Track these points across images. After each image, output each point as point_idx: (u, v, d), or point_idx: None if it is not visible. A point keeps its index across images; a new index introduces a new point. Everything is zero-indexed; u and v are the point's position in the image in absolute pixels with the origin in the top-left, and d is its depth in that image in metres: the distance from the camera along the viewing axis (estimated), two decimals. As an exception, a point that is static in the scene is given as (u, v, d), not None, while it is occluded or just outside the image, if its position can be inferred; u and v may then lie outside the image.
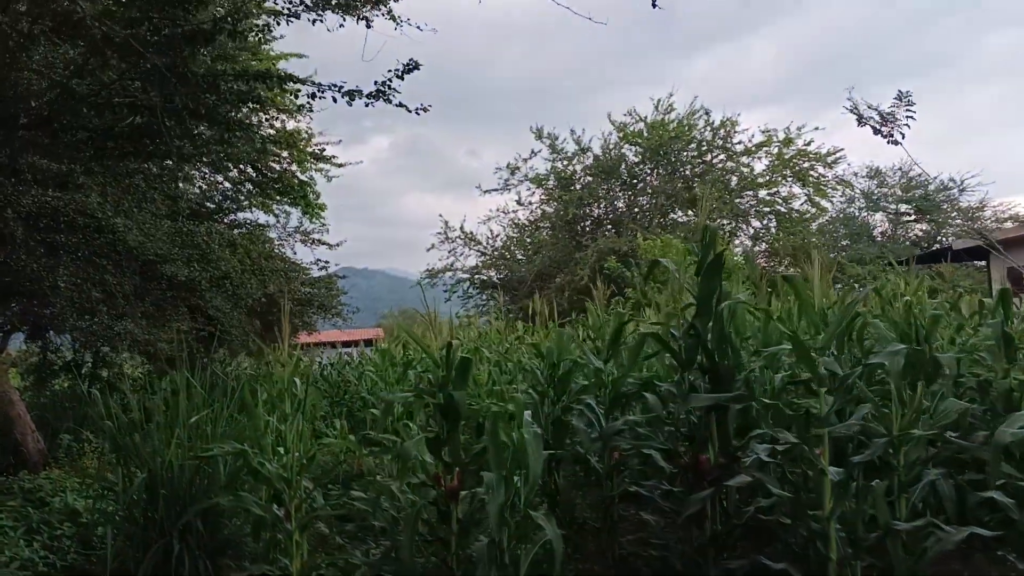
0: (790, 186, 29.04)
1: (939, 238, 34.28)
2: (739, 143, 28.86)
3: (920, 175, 35.47)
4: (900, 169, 36.08)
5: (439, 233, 31.31)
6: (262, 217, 15.01)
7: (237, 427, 5.82)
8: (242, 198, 13.76)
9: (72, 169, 7.19)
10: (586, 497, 6.33)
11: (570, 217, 29.51)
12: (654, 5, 5.74)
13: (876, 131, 10.89)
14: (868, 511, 3.71)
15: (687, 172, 29.54)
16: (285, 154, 12.85)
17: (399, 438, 5.07)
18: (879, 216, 37.87)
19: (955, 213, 34.59)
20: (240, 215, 14.58)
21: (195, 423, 5.52)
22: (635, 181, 30.37)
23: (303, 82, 6.09)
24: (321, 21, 6.01)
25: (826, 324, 3.84)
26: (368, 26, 5.81)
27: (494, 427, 3.86)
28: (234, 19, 5.66)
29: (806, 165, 28.28)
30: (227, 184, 13.77)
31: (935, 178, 33.30)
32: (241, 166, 12.57)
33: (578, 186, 30.31)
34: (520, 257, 31.13)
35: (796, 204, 29.20)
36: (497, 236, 31.61)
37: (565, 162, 30.57)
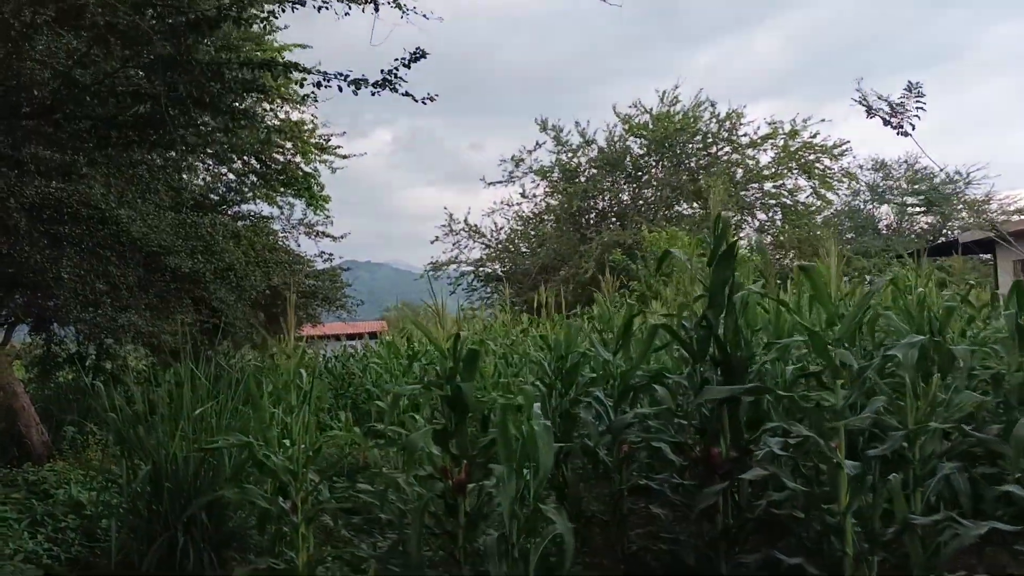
0: (795, 178, 28.95)
1: (945, 231, 34.16)
2: (744, 135, 28.76)
3: (926, 168, 35.34)
4: (906, 162, 35.96)
5: (443, 225, 31.27)
6: (266, 209, 14.98)
7: (242, 419, 5.78)
8: (246, 190, 13.70)
9: (75, 159, 7.14)
10: (593, 490, 6.27)
11: (574, 209, 29.42)
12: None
13: (886, 122, 10.77)
14: (883, 505, 3.65)
15: (692, 164, 29.41)
16: (289, 145, 12.80)
17: (405, 430, 5.02)
18: (884, 209, 37.75)
19: (961, 206, 34.44)
20: (244, 207, 14.54)
21: (199, 415, 5.49)
22: (640, 173, 30.25)
23: (308, 71, 6.02)
24: (327, 7, 5.93)
25: (840, 316, 3.78)
26: (376, 8, 5.73)
27: (504, 419, 3.81)
28: (239, 6, 5.58)
29: (812, 157, 28.16)
30: (231, 176, 13.71)
31: (941, 171, 33.13)
32: (245, 157, 12.52)
33: (583, 178, 30.21)
34: (524, 250, 31.05)
35: (802, 197, 29.10)
36: (501, 229, 31.55)
37: (570, 154, 30.47)
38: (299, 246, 16.22)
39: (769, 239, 28.52)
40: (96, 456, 8.52)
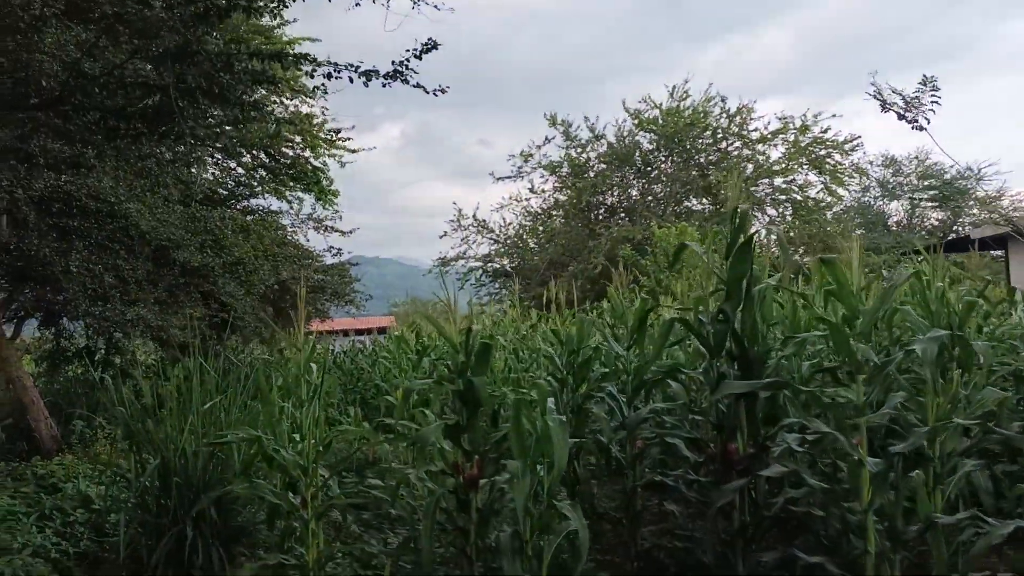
0: (806, 174, 28.78)
1: (956, 227, 33.94)
2: (755, 130, 28.59)
3: (937, 164, 35.13)
4: (916, 158, 35.74)
5: (452, 220, 31.20)
6: (275, 204, 14.95)
7: (251, 414, 5.74)
8: (255, 184, 13.68)
9: (84, 152, 7.10)
10: (604, 487, 6.21)
11: (584, 205, 29.31)
12: None
13: (900, 116, 10.65)
14: (904, 503, 3.58)
15: (702, 160, 29.26)
16: (298, 140, 12.77)
17: (416, 425, 4.97)
18: (895, 205, 37.56)
19: (972, 202, 34.22)
20: (253, 201, 14.52)
21: (208, 410, 5.45)
22: (649, 169, 30.10)
23: (318, 63, 5.97)
24: (339, -4, 5.86)
25: (860, 310, 3.70)
26: (388, -3, 5.67)
27: (517, 414, 3.74)
28: (249, -5, 5.53)
29: (823, 153, 27.98)
30: (240, 170, 13.69)
31: (951, 167, 32.91)
32: (254, 152, 12.50)
33: (592, 173, 30.09)
34: (532, 245, 30.96)
35: (812, 192, 28.93)
36: (510, 224, 31.46)
37: (579, 149, 30.35)
38: (308, 241, 16.22)
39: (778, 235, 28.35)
40: (105, 450, 8.50)
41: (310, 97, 11.30)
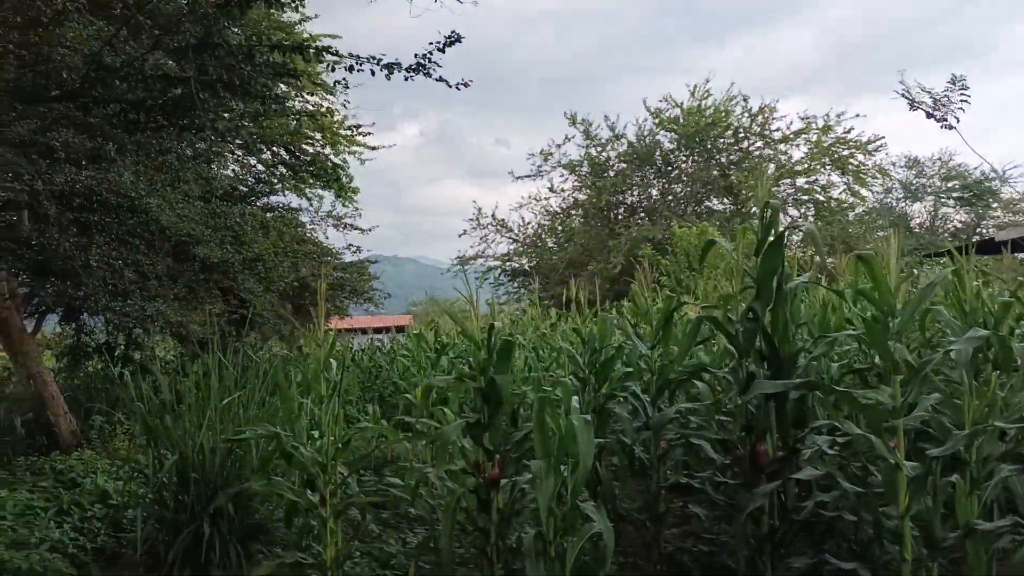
0: (828, 174, 28.52)
1: (980, 229, 33.54)
2: (777, 130, 28.36)
3: (960, 165, 34.76)
4: (939, 159, 35.37)
5: (471, 219, 31.17)
6: (295, 201, 14.94)
7: (269, 410, 5.70)
8: (275, 181, 13.67)
9: (104, 145, 7.09)
10: (625, 488, 6.11)
11: (603, 204, 29.19)
12: None
13: (929, 115, 10.45)
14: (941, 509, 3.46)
15: (723, 159, 29.06)
16: (319, 136, 12.74)
17: (436, 423, 4.90)
18: (917, 207, 37.21)
19: (996, 203, 33.84)
20: (273, 198, 14.52)
21: (227, 405, 5.40)
22: (670, 168, 29.95)
23: (340, 55, 5.91)
24: (359, -12, 5.78)
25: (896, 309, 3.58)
26: (411, -10, 5.58)
27: (541, 413, 3.65)
28: (271, -15, 5.48)
29: (846, 153, 27.72)
30: (260, 167, 13.68)
31: (976, 167, 32.53)
32: (274, 148, 12.48)
33: (612, 173, 29.97)
34: (551, 245, 30.89)
35: (835, 193, 28.67)
36: (528, 224, 31.39)
37: (599, 148, 30.23)
38: (327, 238, 16.21)
39: (800, 235, 28.13)
40: (123, 445, 8.50)
41: (330, 93, 11.26)
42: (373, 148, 13.96)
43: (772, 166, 28.23)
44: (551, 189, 31.29)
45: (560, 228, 31.13)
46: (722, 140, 28.74)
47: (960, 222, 35.47)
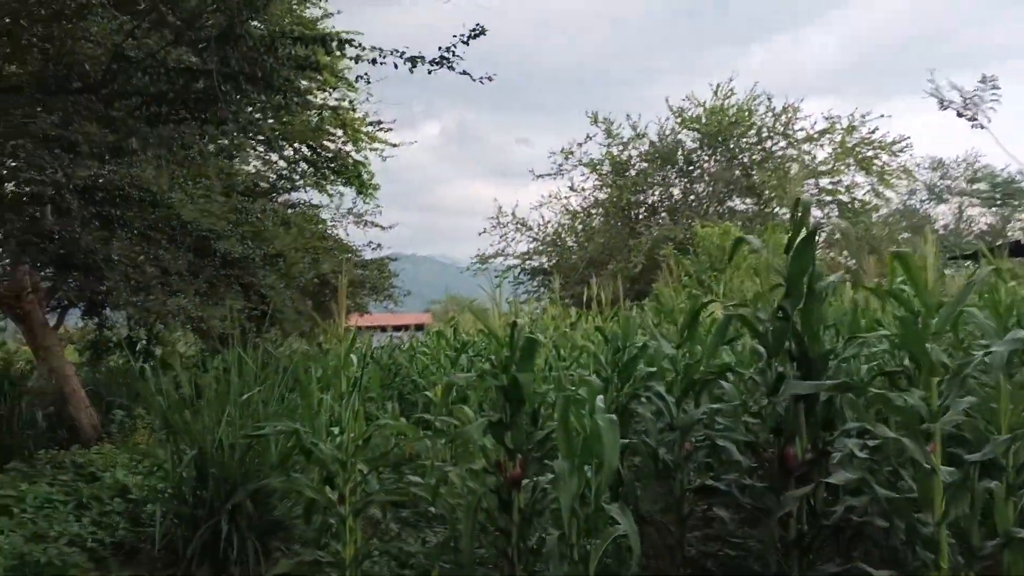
0: (852, 175, 28.20)
1: (1006, 232, 33.07)
2: (801, 130, 28.07)
3: (986, 166, 34.29)
4: (965, 161, 34.92)
5: (491, 218, 31.11)
6: (315, 198, 14.94)
7: (289, 406, 5.66)
8: (296, 177, 13.66)
9: (126, 139, 7.09)
10: (647, 489, 6.02)
11: (624, 203, 29.04)
12: None
13: (960, 114, 10.25)
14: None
15: (746, 159, 28.81)
16: (340, 133, 12.71)
17: (456, 421, 4.83)
18: (942, 209, 36.78)
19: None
20: (294, 195, 14.52)
21: (246, 401, 5.37)
22: (691, 168, 29.73)
23: (363, 47, 5.85)
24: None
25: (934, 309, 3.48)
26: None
27: (565, 412, 3.58)
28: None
29: (870, 154, 27.38)
30: (281, 163, 13.69)
31: (1003, 168, 32.07)
32: (296, 144, 12.47)
33: (633, 172, 29.80)
34: (571, 244, 30.76)
35: (859, 194, 28.35)
36: (549, 223, 31.28)
37: (620, 147, 30.05)
38: (348, 235, 16.21)
39: (823, 236, 27.85)
40: (143, 440, 8.51)
41: (352, 90, 11.24)
42: (394, 145, 13.92)
43: (795, 166, 27.96)
44: (572, 188, 31.17)
45: (580, 227, 30.99)
46: (745, 140, 28.48)
47: (986, 224, 35.01)
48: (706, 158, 29.49)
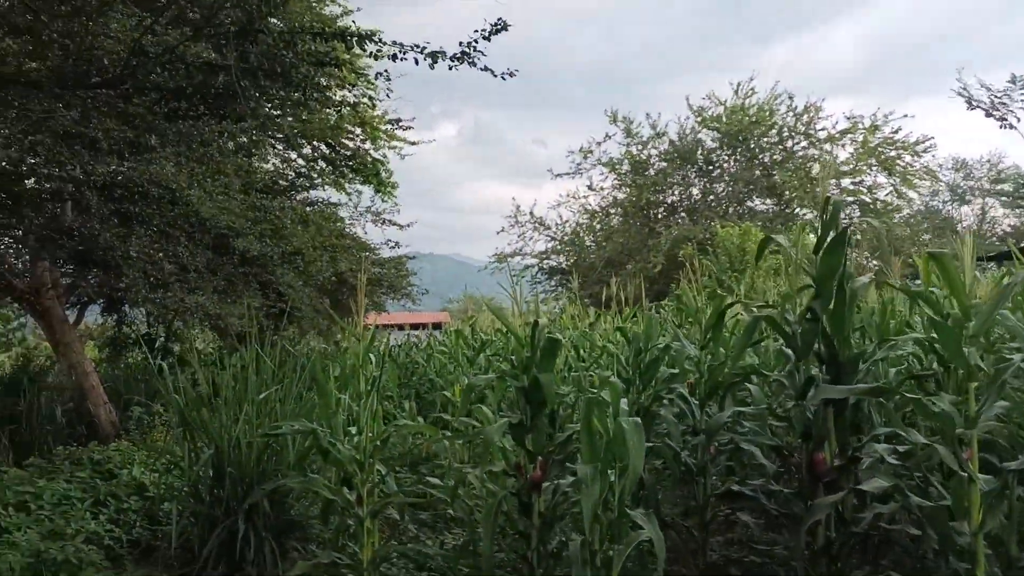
0: (875, 176, 27.90)
1: (1031, 234, 32.67)
2: (822, 130, 27.81)
3: (1011, 167, 33.90)
4: (988, 161, 34.53)
5: (509, 217, 31.06)
6: (334, 196, 14.92)
7: (307, 405, 5.61)
8: (315, 175, 13.65)
9: (145, 135, 7.07)
10: (668, 493, 5.92)
11: (643, 203, 28.89)
12: None
13: (988, 114, 10.06)
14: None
15: (766, 159, 28.57)
16: (359, 131, 12.68)
17: (476, 422, 4.76)
18: (964, 210, 36.41)
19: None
20: (312, 193, 14.51)
21: (264, 400, 5.32)
22: (711, 167, 29.54)
23: (383, 42, 5.79)
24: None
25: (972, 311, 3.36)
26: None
27: (588, 414, 3.50)
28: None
29: (893, 154, 27.08)
30: (300, 161, 13.67)
31: None
32: (315, 142, 12.45)
33: (652, 171, 29.64)
34: (589, 244, 30.65)
35: (881, 194, 28.05)
36: (567, 222, 31.19)
37: (640, 147, 29.90)
38: (366, 233, 16.18)
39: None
40: (161, 437, 8.50)
41: (371, 87, 11.18)
42: (413, 143, 13.87)
43: (817, 166, 27.73)
44: (590, 187, 31.07)
45: (599, 227, 30.87)
46: (766, 139, 28.26)
47: (1010, 226, 34.61)
48: (726, 158, 29.30)
